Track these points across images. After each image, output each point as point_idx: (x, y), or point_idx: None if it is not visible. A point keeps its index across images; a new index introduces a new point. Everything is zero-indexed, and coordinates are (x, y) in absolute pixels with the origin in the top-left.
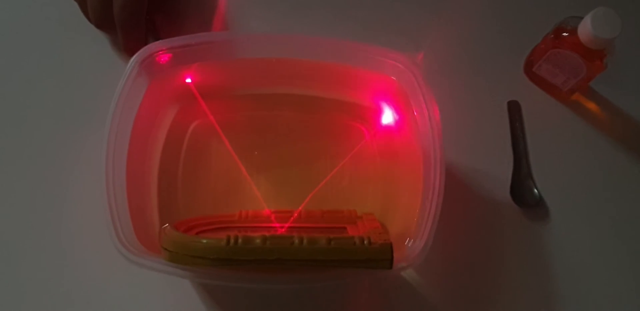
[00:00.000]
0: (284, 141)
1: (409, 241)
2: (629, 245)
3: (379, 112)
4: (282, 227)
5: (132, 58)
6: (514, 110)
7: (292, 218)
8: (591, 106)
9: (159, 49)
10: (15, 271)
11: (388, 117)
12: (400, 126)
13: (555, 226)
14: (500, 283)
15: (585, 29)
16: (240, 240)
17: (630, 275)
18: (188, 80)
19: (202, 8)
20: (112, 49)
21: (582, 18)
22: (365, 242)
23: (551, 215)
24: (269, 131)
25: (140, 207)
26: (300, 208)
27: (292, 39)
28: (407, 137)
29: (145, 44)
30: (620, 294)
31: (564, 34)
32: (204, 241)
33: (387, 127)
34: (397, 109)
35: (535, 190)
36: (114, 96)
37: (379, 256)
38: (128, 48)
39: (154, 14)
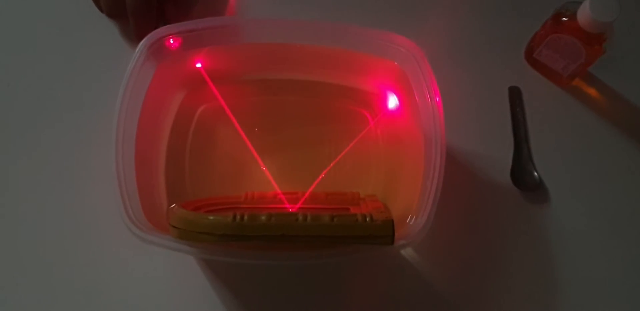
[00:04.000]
0: (289, 125)
1: (410, 218)
2: (627, 228)
3: (382, 97)
4: (287, 208)
5: (141, 42)
6: (515, 96)
7: (297, 200)
8: (591, 91)
9: (167, 34)
10: (27, 248)
11: (391, 102)
12: (402, 110)
13: (555, 209)
14: (499, 264)
15: (584, 13)
16: (246, 217)
17: (629, 257)
18: (198, 65)
19: None
20: (122, 37)
21: (581, 3)
22: (367, 219)
23: (551, 198)
24: (274, 116)
25: (149, 188)
26: (305, 190)
27: (298, 24)
28: (409, 121)
29: None
30: (619, 276)
31: (564, 19)
32: (211, 217)
33: (390, 112)
34: (399, 93)
35: (536, 174)
36: (123, 79)
37: (381, 232)
38: (139, 35)
39: (165, 1)
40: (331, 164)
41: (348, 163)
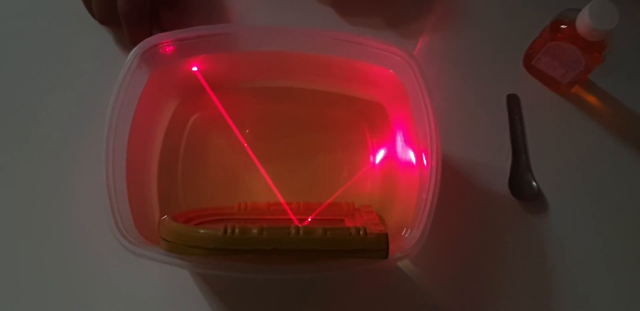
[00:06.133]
0: (284, 134)
1: (405, 231)
2: (627, 238)
3: (377, 106)
4: (280, 219)
5: (133, 50)
6: (513, 103)
7: (290, 211)
8: (591, 99)
9: (160, 42)
10: (16, 261)
11: (386, 110)
12: (398, 119)
13: (554, 219)
14: (497, 274)
15: (583, 21)
16: (237, 230)
17: (628, 267)
18: (194, 68)
19: (206, 0)
20: (115, 44)
21: (580, 10)
22: (361, 232)
23: (549, 208)
24: (269, 124)
25: (140, 199)
26: (299, 200)
27: (294, 31)
28: (405, 130)
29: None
30: (618, 287)
31: (562, 26)
32: (202, 231)
33: (385, 120)
34: (395, 102)
35: (534, 183)
36: (114, 87)
37: (375, 246)
38: (134, 41)
39: (159, 7)
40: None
41: (344, 173)
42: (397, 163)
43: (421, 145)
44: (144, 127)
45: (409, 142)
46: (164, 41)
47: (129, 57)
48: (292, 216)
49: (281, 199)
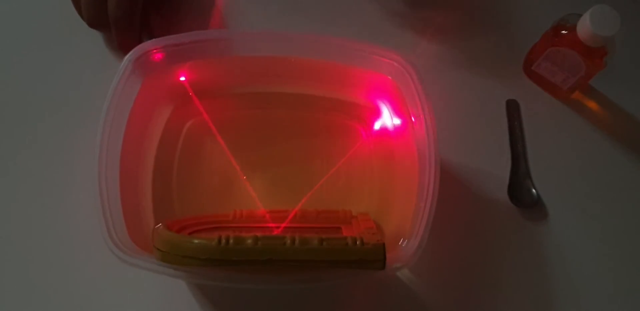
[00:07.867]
0: (279, 140)
1: (403, 241)
2: (627, 245)
3: (375, 112)
4: (276, 227)
5: (126, 56)
6: (513, 109)
7: (287, 218)
8: (591, 104)
9: (153, 48)
10: (6, 270)
11: (384, 116)
12: (396, 126)
13: (553, 227)
14: (497, 283)
15: (584, 27)
16: (231, 241)
17: (628, 275)
18: (182, 78)
19: (197, 6)
20: (106, 48)
21: (580, 15)
22: (357, 242)
23: (549, 215)
24: (264, 130)
25: (134, 206)
26: (295, 208)
27: (287, 36)
28: (403, 137)
29: (140, 42)
30: (618, 294)
31: (563, 31)
32: (195, 241)
33: (383, 127)
34: (393, 108)
35: (533, 190)
36: (107, 94)
37: (372, 257)
38: (123, 47)
39: (150, 12)
40: (320, 182)
41: (341, 179)
42: (395, 170)
43: (420, 152)
44: (138, 134)
45: (407, 149)
46: (158, 47)
47: (122, 64)
48: (289, 224)
49: (277, 207)
